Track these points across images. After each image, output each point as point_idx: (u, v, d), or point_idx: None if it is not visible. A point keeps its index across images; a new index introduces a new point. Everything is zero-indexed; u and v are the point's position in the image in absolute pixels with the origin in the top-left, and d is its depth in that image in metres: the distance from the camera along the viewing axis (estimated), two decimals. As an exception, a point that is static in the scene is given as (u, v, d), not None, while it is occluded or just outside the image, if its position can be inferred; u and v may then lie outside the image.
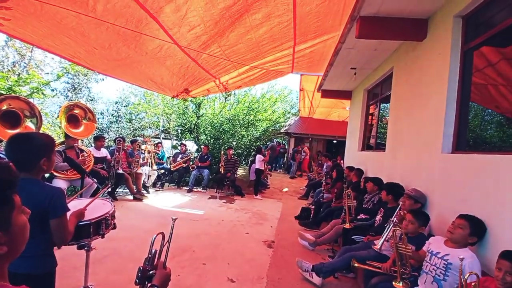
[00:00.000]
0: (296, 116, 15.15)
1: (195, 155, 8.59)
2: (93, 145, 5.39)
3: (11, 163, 0.64)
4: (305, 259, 2.93)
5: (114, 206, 2.00)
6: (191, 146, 10.04)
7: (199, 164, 7.40)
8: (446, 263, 1.79)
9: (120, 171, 5.50)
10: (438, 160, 2.55)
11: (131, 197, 5.65)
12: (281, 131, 13.46)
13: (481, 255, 1.86)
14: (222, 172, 7.21)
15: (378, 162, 4.33)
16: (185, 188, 7.20)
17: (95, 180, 4.46)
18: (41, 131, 3.77)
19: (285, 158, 14.13)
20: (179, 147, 8.42)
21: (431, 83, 2.81)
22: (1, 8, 2.84)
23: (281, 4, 3.40)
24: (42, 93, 6.14)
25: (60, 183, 4.01)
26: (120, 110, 15.23)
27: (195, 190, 7.12)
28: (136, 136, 12.95)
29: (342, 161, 8.23)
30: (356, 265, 2.35)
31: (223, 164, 7.34)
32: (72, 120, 4.23)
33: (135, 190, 5.71)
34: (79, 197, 2.15)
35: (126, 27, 3.58)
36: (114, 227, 1.92)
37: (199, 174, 7.37)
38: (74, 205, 1.69)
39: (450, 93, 2.47)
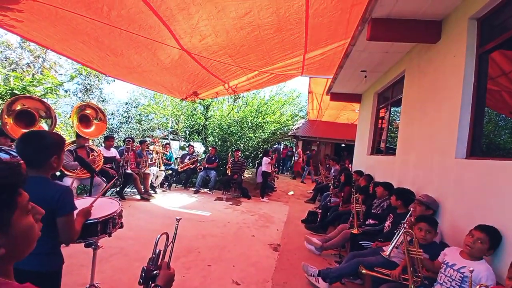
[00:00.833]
0: (305, 119, 15.08)
1: (203, 157, 8.64)
2: (103, 145, 5.48)
3: (22, 162, 0.64)
4: (311, 264, 2.89)
5: (122, 205, 2.02)
6: (199, 148, 10.11)
7: (206, 166, 7.43)
8: (462, 275, 1.73)
9: (129, 171, 5.57)
10: (452, 165, 2.46)
11: (138, 197, 5.71)
12: (289, 134, 13.41)
13: (495, 263, 1.79)
14: (229, 174, 7.21)
15: (388, 166, 4.24)
16: (192, 189, 7.23)
17: (104, 179, 4.56)
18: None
19: (292, 161, 14.05)
20: (187, 148, 8.49)
21: (445, 86, 2.73)
22: (13, 10, 2.93)
23: (293, 19, 3.39)
24: (56, 93, 6.30)
25: (70, 182, 4.09)
26: (130, 111, 15.52)
27: (201, 191, 7.15)
28: (145, 137, 13.14)
29: (350, 165, 8.12)
30: (364, 271, 2.29)
31: (230, 166, 7.34)
32: (84, 120, 4.32)
33: (143, 190, 5.77)
34: (86, 196, 2.17)
35: (139, 34, 3.62)
36: (121, 226, 1.93)
37: (206, 175, 7.39)
38: (81, 203, 1.71)
39: (465, 96, 2.39)
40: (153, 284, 0.98)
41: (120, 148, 5.86)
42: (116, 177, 5.05)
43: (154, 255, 1.04)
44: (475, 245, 1.73)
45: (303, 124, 14.86)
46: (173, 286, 1.04)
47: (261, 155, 9.13)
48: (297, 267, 3.09)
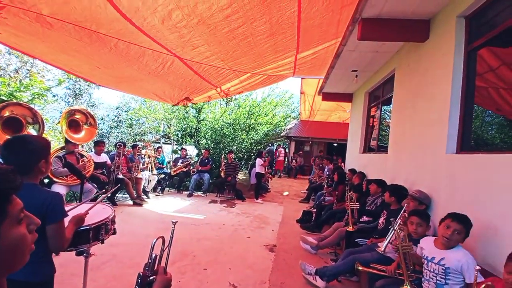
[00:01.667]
0: (297, 119, 15.15)
1: (196, 160, 8.56)
2: (93, 150, 5.36)
3: (14, 168, 0.59)
4: (308, 263, 2.88)
5: (114, 211, 1.97)
6: (192, 151, 10.02)
7: (200, 168, 7.36)
8: (444, 268, 1.75)
9: (120, 176, 5.46)
10: (443, 161, 2.51)
11: (131, 202, 5.61)
12: (281, 134, 13.45)
13: (488, 256, 1.83)
14: (223, 176, 7.17)
15: (380, 164, 4.29)
16: (186, 192, 7.14)
17: (95, 185, 4.46)
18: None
19: (286, 162, 14.09)
20: (179, 152, 8.39)
21: (434, 83, 2.79)
22: None
23: (286, 24, 3.42)
24: (44, 98, 6.14)
25: (60, 189, 3.97)
26: (120, 115, 15.25)
27: (195, 194, 7.07)
28: (137, 141, 12.93)
29: (343, 164, 8.19)
30: (360, 268, 2.30)
31: (223, 168, 7.30)
32: (73, 125, 4.21)
33: (135, 195, 5.66)
34: (78, 203, 2.11)
35: (131, 42, 3.58)
36: (114, 233, 1.87)
37: (200, 178, 7.32)
38: (74, 211, 1.65)
39: (454, 93, 2.44)
40: (149, 290, 0.95)
41: (111, 153, 5.74)
42: (119, 185, 4.97)
43: (150, 260, 1.01)
44: (453, 237, 1.74)
45: (295, 124, 14.93)
46: (169, 291, 1.01)
47: (254, 156, 9.12)
48: (293, 267, 3.08)
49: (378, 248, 2.36)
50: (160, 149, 7.81)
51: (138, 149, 6.56)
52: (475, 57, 2.39)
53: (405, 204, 2.58)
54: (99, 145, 5.21)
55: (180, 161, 7.58)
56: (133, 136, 14.24)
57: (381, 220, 3.07)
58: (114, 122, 15.07)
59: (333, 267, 2.68)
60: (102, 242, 1.72)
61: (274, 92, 11.94)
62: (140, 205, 5.53)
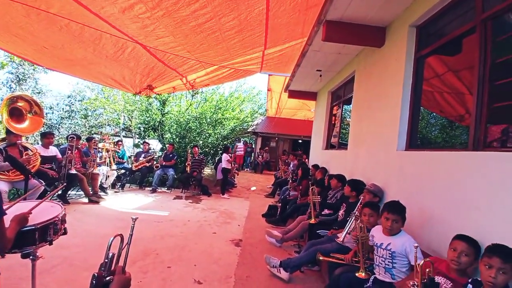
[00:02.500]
0: (264, 115, 15.34)
1: (159, 154, 8.19)
2: (40, 142, 4.82)
3: None
4: (273, 256, 2.96)
5: (65, 209, 1.80)
6: (155, 145, 9.56)
7: (164, 163, 7.07)
8: (391, 252, 1.94)
9: (73, 171, 5.00)
10: (394, 157, 2.76)
11: (86, 200, 5.18)
12: (248, 130, 13.51)
13: (432, 241, 2.05)
14: (188, 171, 6.99)
15: (341, 160, 4.56)
16: (148, 188, 6.82)
17: (42, 181, 4.02)
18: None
19: (252, 157, 14.22)
20: (141, 146, 7.96)
21: (388, 86, 3.03)
22: None
23: (254, 21, 3.43)
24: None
25: (1, 185, 3.52)
26: (73, 105, 13.92)
27: (159, 190, 6.80)
28: (93, 134, 11.96)
29: (307, 160, 8.53)
30: (321, 258, 2.44)
31: (189, 163, 7.11)
32: (15, 114, 3.71)
33: (91, 192, 5.24)
34: (23, 201, 1.89)
35: (84, 24, 3.27)
36: (65, 233, 1.72)
37: (164, 173, 7.04)
38: (18, 209, 1.48)
39: (404, 96, 2.69)
40: (106, 292, 0.89)
41: (61, 146, 5.22)
42: (66, 183, 4.51)
43: (106, 260, 0.95)
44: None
45: (262, 120, 15.10)
46: (129, 291, 0.96)
47: (221, 151, 9.02)
48: (259, 260, 3.14)
49: (338, 239, 2.52)
50: (120, 143, 7.31)
51: (95, 142, 6.05)
52: (423, 63, 2.65)
53: (361, 197, 2.79)
54: (47, 137, 4.69)
55: (143, 155, 7.19)
56: (88, 128, 13.14)
57: (340, 212, 3.27)
58: (65, 112, 13.71)
59: (296, 259, 2.79)
60: (51, 244, 1.57)
61: (242, 87, 11.94)
62: (97, 202, 5.13)
